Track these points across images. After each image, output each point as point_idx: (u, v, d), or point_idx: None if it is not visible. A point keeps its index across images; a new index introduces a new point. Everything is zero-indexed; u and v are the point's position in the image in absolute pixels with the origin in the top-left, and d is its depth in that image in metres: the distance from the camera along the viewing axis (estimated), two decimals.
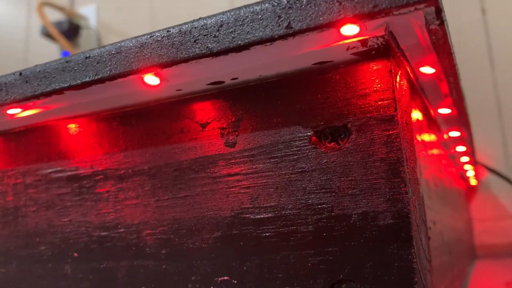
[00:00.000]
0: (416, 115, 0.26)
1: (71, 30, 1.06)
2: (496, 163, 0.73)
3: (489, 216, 0.78)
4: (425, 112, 0.29)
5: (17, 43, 1.19)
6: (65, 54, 1.06)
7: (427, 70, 0.23)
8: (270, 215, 0.21)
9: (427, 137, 0.30)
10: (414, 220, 0.19)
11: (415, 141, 0.23)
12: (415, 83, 0.24)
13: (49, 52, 1.14)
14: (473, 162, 0.56)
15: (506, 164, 0.75)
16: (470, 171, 0.62)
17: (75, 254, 0.25)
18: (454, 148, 0.44)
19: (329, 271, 0.19)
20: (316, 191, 0.20)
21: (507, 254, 0.76)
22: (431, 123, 0.32)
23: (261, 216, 0.21)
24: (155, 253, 0.23)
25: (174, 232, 0.23)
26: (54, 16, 1.07)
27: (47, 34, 1.06)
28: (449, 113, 0.30)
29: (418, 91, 0.25)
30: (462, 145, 0.44)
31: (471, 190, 0.77)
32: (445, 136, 0.38)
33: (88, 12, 1.16)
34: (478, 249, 0.77)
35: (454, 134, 0.37)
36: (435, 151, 0.34)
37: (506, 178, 0.71)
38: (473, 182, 0.72)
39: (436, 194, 0.31)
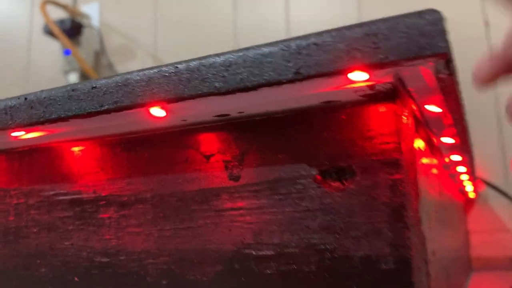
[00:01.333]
0: (420, 147, 0.26)
1: (73, 28, 1.06)
2: (495, 177, 0.74)
3: (486, 228, 0.78)
4: (427, 141, 0.29)
5: (20, 40, 1.18)
6: (66, 52, 1.06)
7: (433, 108, 0.23)
8: (272, 252, 0.21)
9: (429, 164, 0.30)
10: (416, 265, 0.19)
11: (419, 179, 0.23)
12: (420, 118, 0.24)
13: (51, 50, 1.14)
14: (473, 178, 0.56)
15: (504, 179, 0.75)
16: (469, 186, 0.62)
17: (76, 279, 0.25)
18: (455, 168, 0.44)
19: None
20: (320, 231, 0.20)
21: (503, 267, 0.76)
22: (433, 150, 0.32)
23: (263, 253, 0.21)
24: (156, 283, 0.23)
25: (175, 263, 0.23)
26: (57, 14, 1.07)
27: (49, 32, 1.05)
28: (452, 143, 0.30)
29: (422, 124, 0.25)
30: (463, 166, 0.44)
31: (469, 202, 0.77)
32: (447, 160, 0.38)
33: (91, 11, 1.15)
34: (475, 262, 0.78)
35: (456, 158, 0.38)
36: (436, 174, 0.34)
37: (504, 193, 0.71)
38: (471, 195, 0.72)
39: (436, 221, 0.31)
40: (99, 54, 1.08)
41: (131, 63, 1.05)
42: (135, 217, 0.24)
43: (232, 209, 0.22)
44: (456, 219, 0.58)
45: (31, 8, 1.20)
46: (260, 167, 0.22)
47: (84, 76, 1.01)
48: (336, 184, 0.20)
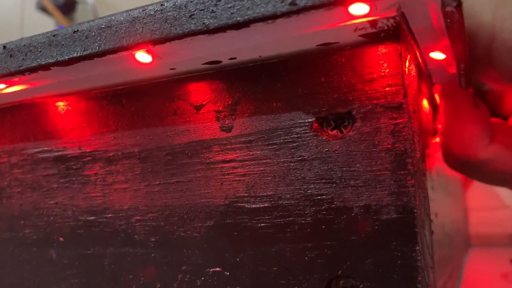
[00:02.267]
0: (423, 102, 0.24)
1: (67, 4, 1.03)
2: None
3: (484, 206, 0.77)
4: (430, 99, 0.28)
5: (12, 17, 1.16)
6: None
7: (438, 55, 0.21)
8: (267, 204, 0.20)
9: (432, 125, 0.29)
10: (419, 215, 0.18)
11: (422, 130, 0.22)
12: (423, 69, 0.23)
13: (45, 27, 1.11)
14: None
15: None
16: None
17: (61, 239, 0.24)
18: None
19: (327, 266, 0.18)
20: (316, 181, 0.19)
21: (501, 244, 0.76)
22: (436, 110, 0.31)
23: (257, 205, 0.20)
24: (144, 241, 0.22)
25: (164, 219, 0.22)
26: None
27: (42, 9, 1.03)
28: None
29: (426, 77, 0.24)
30: None
31: (468, 179, 0.76)
32: None
33: None
34: (473, 239, 0.77)
35: None
36: (438, 140, 0.33)
37: None
38: None
39: (438, 184, 0.30)
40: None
41: None
42: (122, 173, 0.23)
43: (224, 161, 0.21)
44: (457, 194, 0.57)
45: None
46: (253, 116, 0.20)
47: None
48: (334, 132, 0.19)
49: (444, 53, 0.21)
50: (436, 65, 0.23)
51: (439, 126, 0.28)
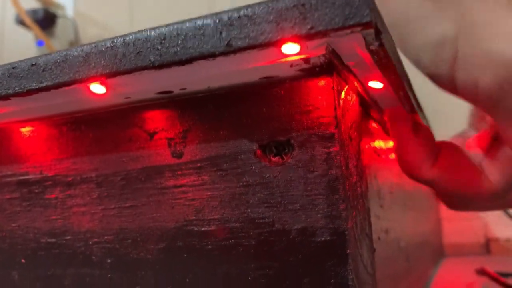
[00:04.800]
0: (368, 126, 0.26)
1: (46, 19, 1.04)
2: None
3: (458, 216, 0.79)
4: (380, 121, 0.29)
5: None
6: (39, 43, 1.04)
7: (376, 84, 0.23)
8: (214, 227, 0.21)
9: (383, 145, 0.30)
10: (353, 237, 0.19)
11: (363, 154, 0.23)
12: (366, 97, 0.24)
13: (24, 41, 1.11)
14: None
15: None
16: None
17: (23, 260, 0.25)
18: None
19: (269, 285, 0.20)
20: (259, 205, 0.20)
21: (474, 253, 0.77)
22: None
23: (205, 228, 0.21)
24: (101, 262, 0.23)
25: (119, 241, 0.23)
26: (30, 4, 1.04)
27: (21, 23, 1.03)
28: None
29: (371, 103, 0.26)
30: None
31: None
32: None
33: (65, 1, 1.14)
34: (447, 248, 0.79)
35: None
36: (393, 158, 0.34)
37: None
38: None
39: (391, 202, 0.31)
40: (74, 45, 1.07)
41: None
42: (80, 196, 0.24)
43: (175, 186, 0.22)
44: (426, 206, 0.59)
45: None
46: (202, 143, 0.22)
47: None
48: (276, 158, 0.20)
49: (381, 82, 0.22)
50: (379, 93, 0.25)
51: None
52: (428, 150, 0.26)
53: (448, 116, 0.74)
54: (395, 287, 0.30)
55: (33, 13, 1.00)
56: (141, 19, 1.03)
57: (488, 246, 0.77)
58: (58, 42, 1.03)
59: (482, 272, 0.52)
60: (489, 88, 0.21)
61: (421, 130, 0.26)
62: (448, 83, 0.23)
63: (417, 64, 0.23)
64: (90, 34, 1.09)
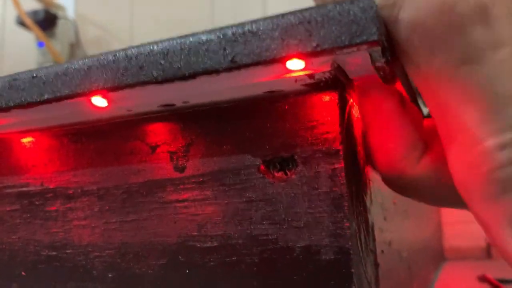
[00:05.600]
0: None
1: (47, 20, 1.04)
2: None
3: (459, 219, 0.79)
4: None
5: None
6: (40, 44, 1.04)
7: None
8: (216, 244, 0.21)
9: None
10: (357, 255, 0.19)
11: (368, 168, 0.23)
12: None
13: (25, 42, 1.11)
14: None
15: None
16: None
17: (23, 273, 0.25)
18: None
19: None
20: (262, 221, 0.20)
21: (475, 257, 0.77)
22: None
23: (207, 244, 0.21)
24: (101, 276, 0.23)
25: (121, 256, 0.22)
26: (31, 4, 1.04)
27: (22, 24, 1.03)
28: None
29: None
30: None
31: None
32: None
33: (65, 2, 1.13)
34: (448, 252, 0.79)
35: None
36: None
37: None
38: None
39: (394, 212, 0.31)
40: (74, 46, 1.06)
41: None
42: (81, 209, 0.24)
43: (177, 201, 0.22)
44: (426, 210, 0.58)
45: None
46: (205, 158, 0.21)
47: None
48: (279, 174, 0.20)
49: None
50: None
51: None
52: (415, 135, 0.19)
53: None
54: None
55: (33, 14, 1.00)
56: (142, 21, 1.02)
57: (489, 250, 0.77)
58: (59, 43, 1.02)
59: (483, 279, 0.52)
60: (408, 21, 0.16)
61: (407, 106, 0.20)
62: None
63: None
64: (91, 35, 1.09)
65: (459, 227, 0.79)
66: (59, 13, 1.04)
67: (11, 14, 1.07)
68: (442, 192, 0.19)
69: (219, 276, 0.20)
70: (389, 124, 0.19)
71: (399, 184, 0.20)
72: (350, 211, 0.19)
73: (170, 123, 0.22)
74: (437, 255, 0.69)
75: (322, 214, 0.19)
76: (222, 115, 0.21)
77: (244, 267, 0.20)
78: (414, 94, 0.24)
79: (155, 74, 0.19)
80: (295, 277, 0.19)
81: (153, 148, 0.22)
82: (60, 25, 1.04)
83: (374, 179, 0.25)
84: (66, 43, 1.03)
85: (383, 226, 0.26)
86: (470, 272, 0.60)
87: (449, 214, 0.79)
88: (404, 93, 0.21)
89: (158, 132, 0.22)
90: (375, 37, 0.15)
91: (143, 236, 0.22)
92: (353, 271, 0.18)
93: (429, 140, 0.19)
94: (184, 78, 0.18)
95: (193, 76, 0.18)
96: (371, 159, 0.21)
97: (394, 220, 0.31)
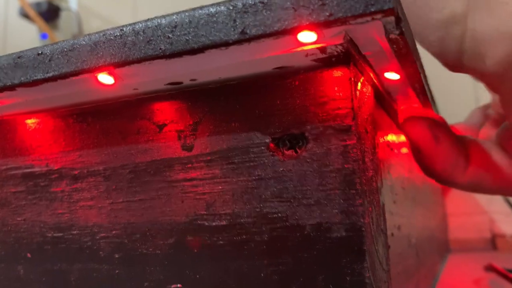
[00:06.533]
0: (382, 119, 0.25)
1: (50, 11, 1.03)
2: None
3: (464, 211, 0.79)
4: (393, 114, 0.29)
5: None
6: (43, 36, 1.04)
7: (392, 76, 0.22)
8: (225, 223, 0.20)
9: (395, 139, 0.30)
10: (369, 233, 0.19)
11: (378, 148, 0.23)
12: (381, 88, 0.24)
13: (28, 33, 1.11)
14: None
15: None
16: None
17: (28, 255, 0.24)
18: None
19: (282, 282, 0.19)
20: (272, 199, 0.20)
21: (479, 248, 0.77)
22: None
23: (216, 223, 0.20)
24: (108, 257, 0.22)
25: (127, 236, 0.22)
26: None
27: (25, 15, 1.03)
28: None
29: (385, 95, 0.25)
30: None
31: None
32: None
33: None
34: (452, 243, 0.78)
35: None
36: (404, 152, 0.33)
37: None
38: None
39: (403, 197, 0.31)
40: (78, 38, 1.06)
41: None
42: (87, 190, 0.23)
43: (185, 180, 0.21)
44: (433, 201, 0.58)
45: None
46: (213, 136, 0.21)
47: None
48: (289, 152, 0.20)
49: (397, 73, 0.22)
50: (394, 84, 0.24)
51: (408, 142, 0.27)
52: (456, 153, 0.24)
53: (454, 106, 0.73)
54: (406, 284, 0.29)
55: (36, 5, 0.99)
56: (145, 12, 1.02)
57: (494, 242, 0.77)
58: (62, 35, 1.02)
59: (490, 268, 0.51)
60: (497, 63, 0.20)
61: (444, 131, 0.24)
62: (455, 60, 0.21)
63: (424, 42, 0.22)
64: (94, 26, 1.08)
65: (465, 219, 0.79)
66: (62, 5, 1.03)
67: (14, 5, 1.07)
68: (486, 191, 0.25)
69: (229, 255, 0.20)
70: (433, 151, 0.24)
71: (455, 187, 0.26)
72: (362, 188, 0.18)
73: (178, 102, 0.22)
74: (443, 246, 0.69)
75: (334, 191, 0.18)
76: (230, 93, 0.21)
77: (253, 246, 0.20)
78: (425, 78, 0.24)
79: (163, 47, 0.18)
80: (305, 255, 0.19)
81: (161, 127, 0.22)
82: (63, 17, 1.04)
83: (384, 161, 0.25)
84: (69, 34, 1.02)
85: (393, 209, 0.26)
86: (476, 263, 0.60)
87: (454, 206, 0.79)
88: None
89: (166, 111, 0.22)
90: (389, 5, 0.15)
91: (151, 216, 0.22)
92: (365, 248, 0.18)
93: (467, 153, 0.25)
94: (193, 51, 0.18)
95: (202, 49, 0.18)
96: (427, 172, 0.25)
97: (403, 205, 0.30)
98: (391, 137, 0.28)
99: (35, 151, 0.25)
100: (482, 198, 0.77)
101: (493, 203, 0.76)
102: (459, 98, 0.77)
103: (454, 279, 0.52)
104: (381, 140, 0.24)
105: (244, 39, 0.17)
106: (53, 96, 0.23)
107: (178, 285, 0.21)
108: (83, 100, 0.24)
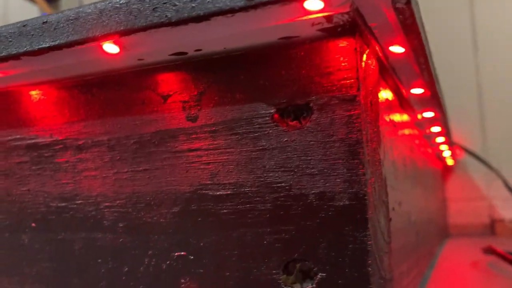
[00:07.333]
0: (385, 94, 0.25)
1: None
2: (473, 145, 0.74)
3: (463, 197, 0.79)
4: (396, 92, 0.29)
5: None
6: None
7: (397, 49, 0.22)
8: (229, 192, 0.20)
9: (398, 117, 0.30)
10: (372, 202, 0.19)
11: (381, 121, 0.23)
12: (385, 62, 0.24)
13: (29, 14, 1.10)
14: (449, 142, 0.56)
15: (483, 146, 0.75)
16: (446, 151, 0.63)
17: (33, 224, 0.25)
18: (429, 128, 0.44)
19: (284, 249, 0.19)
20: (276, 169, 0.20)
21: (478, 233, 0.77)
22: (404, 103, 0.32)
23: (220, 192, 0.21)
24: (112, 226, 0.23)
25: (132, 205, 0.22)
26: None
27: None
28: (422, 94, 0.30)
29: (389, 70, 0.25)
30: (437, 125, 0.44)
31: (448, 170, 0.78)
32: (419, 117, 0.38)
33: None
34: (451, 228, 0.79)
35: (428, 114, 0.37)
36: (406, 131, 0.34)
37: (482, 160, 0.71)
38: (449, 162, 0.73)
39: (404, 175, 0.31)
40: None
41: None
42: (91, 160, 0.23)
43: (190, 150, 0.21)
44: (433, 184, 0.58)
45: None
46: (218, 107, 0.21)
47: None
48: (294, 122, 0.20)
49: (402, 46, 0.22)
50: (399, 59, 0.24)
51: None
52: None
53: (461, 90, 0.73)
54: (406, 259, 0.29)
55: None
56: None
57: (493, 227, 0.77)
58: None
59: (489, 250, 0.51)
60: None
61: None
62: None
63: None
64: None
65: (464, 204, 0.79)
66: None
67: None
68: None
69: (232, 223, 0.20)
70: None
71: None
72: (366, 158, 0.18)
73: (182, 73, 0.22)
74: (442, 230, 0.69)
75: (337, 161, 0.19)
76: (235, 63, 0.21)
77: (257, 214, 0.20)
78: (430, 53, 0.24)
79: (169, 15, 0.18)
80: (308, 223, 0.19)
81: (165, 98, 0.22)
82: None
83: (386, 136, 0.25)
84: None
85: (394, 185, 0.26)
86: (474, 247, 0.60)
87: (454, 191, 0.79)
88: None
89: (170, 81, 0.22)
90: None
91: (155, 186, 0.22)
92: (367, 216, 0.18)
93: None
94: (199, 18, 0.18)
95: (208, 16, 0.18)
96: None
97: (404, 181, 0.30)
98: (394, 114, 0.28)
99: (39, 122, 0.25)
100: (481, 183, 0.78)
101: (493, 188, 0.76)
102: (459, 67, 0.76)
103: (452, 261, 0.52)
104: (384, 115, 0.24)
105: (250, 5, 0.17)
106: (58, 66, 0.23)
107: (182, 253, 0.21)
108: (88, 71, 0.24)
